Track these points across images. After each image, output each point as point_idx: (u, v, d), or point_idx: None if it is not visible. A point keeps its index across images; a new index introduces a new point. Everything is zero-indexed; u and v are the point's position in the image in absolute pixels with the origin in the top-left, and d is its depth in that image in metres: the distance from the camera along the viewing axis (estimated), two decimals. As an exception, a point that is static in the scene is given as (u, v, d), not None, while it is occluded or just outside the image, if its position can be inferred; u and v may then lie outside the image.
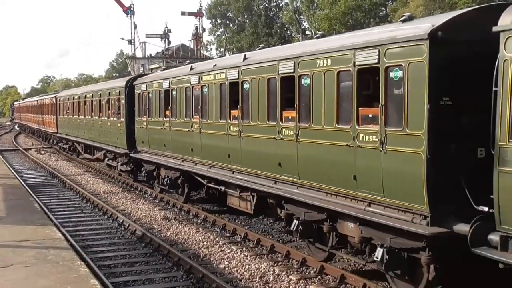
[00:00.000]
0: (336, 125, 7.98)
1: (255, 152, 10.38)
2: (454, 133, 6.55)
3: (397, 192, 7.00)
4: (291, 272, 8.83)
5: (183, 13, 43.08)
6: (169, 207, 14.74)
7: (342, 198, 8.04)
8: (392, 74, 6.99)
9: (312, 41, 10.36)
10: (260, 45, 14.45)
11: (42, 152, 31.96)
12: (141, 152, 17.14)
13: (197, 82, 12.89)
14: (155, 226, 12.41)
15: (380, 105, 7.09)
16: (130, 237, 11.45)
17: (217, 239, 10.99)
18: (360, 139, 7.49)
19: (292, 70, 9.06)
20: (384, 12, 48.53)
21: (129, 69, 38.86)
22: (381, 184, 7.19)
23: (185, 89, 13.62)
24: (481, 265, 6.26)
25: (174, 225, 12.40)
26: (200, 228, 12.01)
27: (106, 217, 13.66)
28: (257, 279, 8.61)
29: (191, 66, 13.75)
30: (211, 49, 68.88)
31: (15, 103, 73.19)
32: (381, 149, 7.12)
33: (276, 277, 8.66)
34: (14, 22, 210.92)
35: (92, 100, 23.15)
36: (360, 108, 7.55)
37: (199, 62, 15.81)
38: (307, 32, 57.50)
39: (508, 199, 5.62)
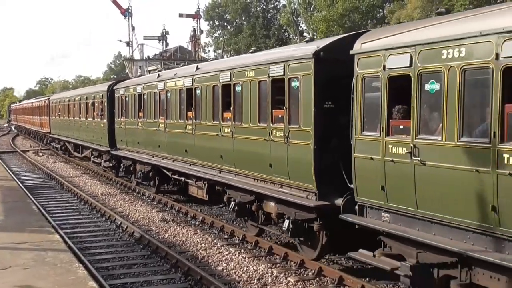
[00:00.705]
0: (258, 123, 10.09)
1: (205, 147, 12.33)
2: (334, 129, 8.47)
3: (297, 175, 9.03)
4: (289, 274, 8.85)
5: (180, 15, 43.20)
6: (167, 209, 14.75)
7: (264, 182, 10.00)
8: (292, 84, 9.05)
9: (244, 56, 14.04)
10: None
11: (40, 154, 31.94)
12: (120, 149, 19.35)
13: (163, 88, 14.98)
14: (153, 228, 12.42)
15: (285, 108, 9.21)
16: (128, 239, 11.46)
17: (215, 241, 11.01)
18: (273, 135, 9.58)
19: (229, 79, 11.18)
20: (382, 13, 48.70)
21: (127, 71, 38.83)
22: (286, 169, 9.24)
23: (153, 94, 15.75)
24: (356, 230, 7.88)
25: (172, 227, 12.42)
26: (198, 230, 12.03)
27: (104, 219, 13.66)
28: (255, 280, 8.63)
29: (159, 74, 16.27)
30: (209, 51, 69.05)
31: (12, 105, 77.46)
32: (285, 142, 9.20)
33: (274, 278, 8.68)
34: (13, 22, 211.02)
35: (80, 103, 25.53)
36: (273, 110, 9.64)
37: (166, 70, 18.70)
38: (305, 34, 57.64)
39: (360, 176, 7.69)
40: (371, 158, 7.40)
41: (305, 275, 8.85)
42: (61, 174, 22.57)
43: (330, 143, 8.51)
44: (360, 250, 7.51)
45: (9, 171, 22.58)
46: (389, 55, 7.13)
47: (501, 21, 5.81)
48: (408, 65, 6.81)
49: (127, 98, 18.53)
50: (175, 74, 14.63)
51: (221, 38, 66.30)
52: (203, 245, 10.78)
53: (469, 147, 6.03)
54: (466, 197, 6.04)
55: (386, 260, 7.10)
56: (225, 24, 67.39)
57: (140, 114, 16.94)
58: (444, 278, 6.66)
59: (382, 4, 48.35)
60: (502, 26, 5.67)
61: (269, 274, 8.88)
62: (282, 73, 9.24)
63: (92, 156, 23.62)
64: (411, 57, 6.77)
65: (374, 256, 7.32)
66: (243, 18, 64.61)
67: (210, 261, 9.74)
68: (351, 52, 7.77)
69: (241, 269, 9.18)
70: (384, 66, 7.17)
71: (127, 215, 14.07)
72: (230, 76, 11.08)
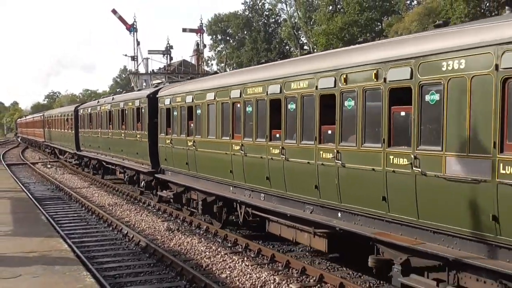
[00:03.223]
0: (134, 131, 18.89)
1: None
2: (155, 133, 16.48)
3: (139, 157, 18.62)
4: (291, 281, 9.01)
5: (184, 30, 43.65)
6: (172, 219, 14.98)
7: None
8: (142, 110, 17.98)
9: (121, 95, 24.61)
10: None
11: (49, 166, 32.32)
12: (83, 150, 27.40)
13: (108, 108, 22.50)
14: (158, 237, 12.64)
15: (139, 123, 18.21)
16: (134, 248, 11.69)
17: (219, 249, 11.21)
18: (137, 137, 18.54)
19: (138, 105, 18.53)
20: (380, 27, 49.00)
21: (132, 84, 39.29)
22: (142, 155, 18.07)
23: (108, 112, 22.59)
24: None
25: (177, 236, 12.63)
26: (202, 239, 12.23)
27: (110, 228, 13.91)
28: (258, 287, 8.81)
29: (113, 97, 23.31)
30: (212, 64, 69.65)
31: (18, 120, 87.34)
32: (140, 140, 18.15)
33: (276, 286, 8.85)
34: (19, 41, 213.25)
35: (60, 118, 34.57)
36: (137, 123, 18.58)
37: (118, 95, 25.49)
38: (305, 47, 58.16)
39: (160, 154, 16.18)
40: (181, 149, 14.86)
41: (306, 282, 9.02)
42: (69, 185, 22.88)
43: (155, 140, 16.56)
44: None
45: (19, 183, 22.91)
46: (170, 98, 15.49)
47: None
48: (190, 101, 13.97)
49: (91, 115, 25.91)
50: (112, 99, 22.88)
51: (223, 52, 66.82)
52: (207, 253, 10.98)
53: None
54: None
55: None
56: (228, 38, 67.94)
57: (97, 126, 24.86)
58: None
59: (380, 18, 48.65)
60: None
61: (272, 281, 9.06)
62: (138, 104, 18.12)
63: (64, 156, 34.21)
64: (193, 97, 13.95)
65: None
66: (245, 32, 65.13)
67: (214, 269, 9.93)
68: (157, 96, 16.59)
69: (244, 277, 9.36)
70: (166, 103, 15.70)
71: (133, 224, 14.31)
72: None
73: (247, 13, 65.64)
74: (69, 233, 13.07)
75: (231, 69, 51.88)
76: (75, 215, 16.05)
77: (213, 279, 9.20)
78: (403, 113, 7.30)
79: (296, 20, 57.16)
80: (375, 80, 7.59)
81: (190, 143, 13.75)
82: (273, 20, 65.33)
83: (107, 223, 14.47)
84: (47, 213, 15.42)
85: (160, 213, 15.97)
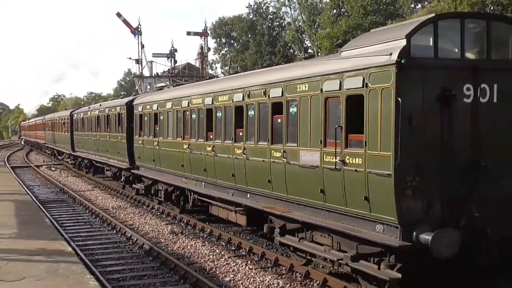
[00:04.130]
0: (117, 132, 21.35)
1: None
2: (132, 135, 19.03)
3: (117, 155, 21.74)
4: (295, 285, 9.01)
5: (188, 33, 43.68)
6: (175, 222, 14.99)
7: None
8: (122, 116, 20.84)
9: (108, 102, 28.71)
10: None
11: (53, 168, 32.42)
12: (77, 151, 30.30)
13: (97, 114, 25.49)
14: (162, 240, 12.65)
15: (120, 126, 21.09)
16: (138, 251, 11.70)
17: (222, 253, 11.20)
18: (115, 138, 21.76)
19: (119, 111, 21.46)
20: (384, 30, 48.97)
21: (137, 87, 39.40)
22: (124, 153, 20.46)
23: (97, 116, 25.37)
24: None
25: (180, 239, 12.64)
26: (206, 242, 12.23)
27: (114, 231, 13.93)
28: (261, 291, 8.80)
29: (100, 104, 27.08)
30: (216, 67, 69.85)
31: (22, 123, 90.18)
32: (120, 140, 20.93)
33: (280, 289, 8.85)
34: (23, 45, 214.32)
35: (59, 122, 37.32)
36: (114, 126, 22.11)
37: (105, 102, 29.43)
38: (309, 51, 58.15)
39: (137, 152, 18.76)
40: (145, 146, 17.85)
41: (310, 286, 9.00)
42: (73, 188, 22.94)
43: (132, 142, 19.20)
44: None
45: (23, 185, 23.00)
46: (142, 106, 18.21)
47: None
48: (156, 108, 16.72)
49: (83, 119, 28.78)
50: (100, 105, 26.36)
51: (228, 55, 66.99)
52: (211, 256, 10.98)
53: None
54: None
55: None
56: (232, 41, 68.12)
57: (89, 129, 27.99)
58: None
59: (385, 22, 48.58)
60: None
61: (275, 285, 9.05)
62: (119, 111, 21.11)
63: (61, 156, 37.41)
64: (157, 106, 16.64)
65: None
66: (249, 35, 65.29)
67: (217, 272, 9.93)
68: (133, 104, 19.41)
69: (248, 280, 9.35)
70: (139, 110, 18.42)
71: (137, 227, 14.32)
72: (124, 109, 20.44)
73: (251, 17, 65.79)
74: (73, 236, 13.09)
75: (235, 72, 52.02)
76: (79, 218, 16.09)
77: (217, 282, 9.18)
78: (279, 120, 9.97)
79: (300, 24, 57.25)
80: (264, 96, 10.36)
81: (155, 143, 16.49)
82: (277, 23, 65.46)
83: (111, 226, 14.49)
84: (51, 216, 15.47)
85: (164, 216, 15.98)
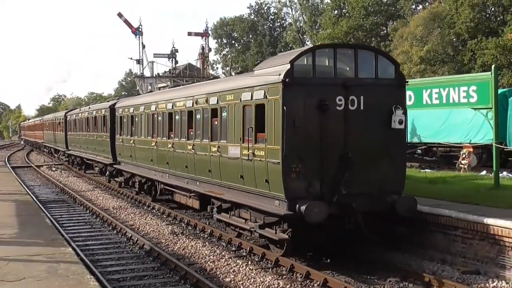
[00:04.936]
0: (99, 133, 24.37)
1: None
2: (114, 134, 21.73)
3: (101, 152, 24.63)
4: (296, 285, 9.01)
5: (189, 34, 43.66)
6: (176, 222, 14.99)
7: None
8: (106, 117, 23.31)
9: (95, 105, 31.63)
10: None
11: (53, 169, 32.44)
12: (70, 149, 32.62)
13: (86, 115, 28.09)
14: (162, 241, 12.64)
15: (105, 126, 23.55)
16: (138, 251, 11.69)
17: (223, 253, 11.20)
18: (99, 138, 24.87)
19: (104, 113, 23.86)
20: (385, 31, 48.92)
21: (138, 87, 39.42)
22: (108, 150, 23.02)
23: (86, 118, 28.04)
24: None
25: (181, 240, 12.63)
26: (206, 243, 12.23)
27: (115, 232, 13.92)
28: (262, 292, 8.79)
29: (89, 107, 29.55)
30: (217, 68, 69.83)
31: (21, 123, 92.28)
32: (98, 138, 24.89)
33: (280, 290, 8.85)
34: (22, 43, 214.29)
35: (55, 122, 40.07)
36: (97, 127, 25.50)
37: (93, 105, 31.93)
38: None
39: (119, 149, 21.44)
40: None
41: (310, 286, 9.00)
42: (74, 189, 22.95)
43: (114, 140, 21.65)
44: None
45: (24, 186, 23.00)
46: (122, 109, 21.14)
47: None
48: (132, 111, 19.49)
49: (75, 120, 31.48)
50: (89, 108, 29.40)
51: (229, 56, 66.99)
52: (211, 257, 10.97)
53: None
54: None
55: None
56: (233, 42, 68.12)
57: (80, 129, 30.46)
58: None
59: (386, 22, 48.59)
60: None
61: (276, 286, 9.05)
62: (104, 113, 23.51)
63: (58, 154, 39.74)
64: (133, 109, 19.34)
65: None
66: (250, 36, 65.31)
67: (218, 273, 9.92)
68: (115, 107, 21.87)
69: (248, 281, 9.34)
70: (120, 112, 21.28)
71: (138, 228, 14.32)
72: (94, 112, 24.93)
73: (252, 17, 65.78)
74: (74, 236, 13.09)
75: (238, 72, 52.07)
76: (80, 218, 16.09)
77: (217, 283, 9.18)
78: (215, 122, 12.33)
79: (301, 24, 57.24)
80: (206, 103, 12.84)
81: (132, 142, 19.17)
82: (279, 24, 65.46)
83: (112, 226, 14.49)
84: (52, 216, 15.46)
85: (165, 216, 15.97)
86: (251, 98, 10.56)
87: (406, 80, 10.62)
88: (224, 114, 11.85)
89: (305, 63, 9.89)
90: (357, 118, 9.83)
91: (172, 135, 15.20)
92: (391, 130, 9.98)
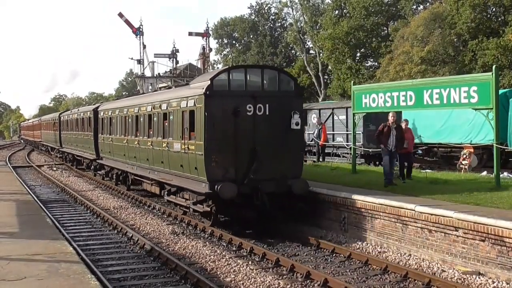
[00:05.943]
0: (84, 133, 28.03)
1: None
2: (98, 135, 24.96)
3: (86, 150, 28.02)
4: (296, 285, 9.01)
5: (190, 34, 43.69)
6: (177, 222, 15.00)
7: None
8: (95, 119, 25.82)
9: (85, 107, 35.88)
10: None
11: (54, 168, 32.46)
12: (64, 147, 35.49)
13: (76, 116, 30.86)
14: (163, 241, 12.66)
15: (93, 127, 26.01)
16: (139, 251, 11.70)
17: (223, 253, 11.21)
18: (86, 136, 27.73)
19: (89, 115, 26.88)
20: (386, 31, 48.87)
21: (138, 87, 39.44)
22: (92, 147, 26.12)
23: (76, 119, 31.05)
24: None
25: (181, 240, 12.64)
26: (207, 243, 12.24)
27: (115, 231, 13.93)
28: (262, 292, 8.81)
29: (78, 109, 32.79)
30: (218, 68, 69.71)
31: (21, 123, 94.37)
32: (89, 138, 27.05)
33: (280, 290, 8.87)
34: (22, 44, 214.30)
35: (51, 122, 42.75)
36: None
37: (82, 107, 35.07)
38: (311, 52, 57.99)
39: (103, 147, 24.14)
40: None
41: (311, 287, 9.01)
42: (75, 188, 22.97)
43: (97, 137, 24.54)
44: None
45: (25, 185, 23.00)
46: (103, 111, 24.30)
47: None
48: (110, 114, 22.81)
49: (68, 120, 33.94)
50: (78, 110, 32.63)
51: (229, 56, 66.97)
52: (212, 257, 10.98)
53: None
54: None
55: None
56: (234, 42, 68.09)
57: (69, 129, 33.57)
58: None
59: (386, 23, 48.57)
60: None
61: (276, 286, 9.05)
62: (91, 115, 25.84)
63: (53, 151, 42.61)
64: (111, 112, 22.70)
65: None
66: (251, 36, 65.27)
67: (218, 272, 9.93)
68: (98, 110, 25.36)
69: (249, 281, 9.35)
70: (101, 115, 24.40)
71: (138, 227, 14.33)
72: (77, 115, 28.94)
73: (253, 17, 65.74)
74: (74, 235, 13.10)
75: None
76: (80, 218, 16.10)
77: (218, 283, 9.19)
78: (166, 124, 15.35)
79: (302, 25, 57.19)
80: (160, 108, 15.94)
81: (110, 140, 22.17)
82: (279, 24, 65.41)
83: (112, 226, 14.50)
84: (53, 216, 15.47)
85: (165, 216, 15.99)
86: (187, 105, 13.61)
87: (303, 92, 13.80)
88: (171, 117, 14.87)
89: (223, 79, 12.81)
90: (263, 121, 12.73)
91: (138, 134, 18.36)
92: (290, 130, 12.83)
